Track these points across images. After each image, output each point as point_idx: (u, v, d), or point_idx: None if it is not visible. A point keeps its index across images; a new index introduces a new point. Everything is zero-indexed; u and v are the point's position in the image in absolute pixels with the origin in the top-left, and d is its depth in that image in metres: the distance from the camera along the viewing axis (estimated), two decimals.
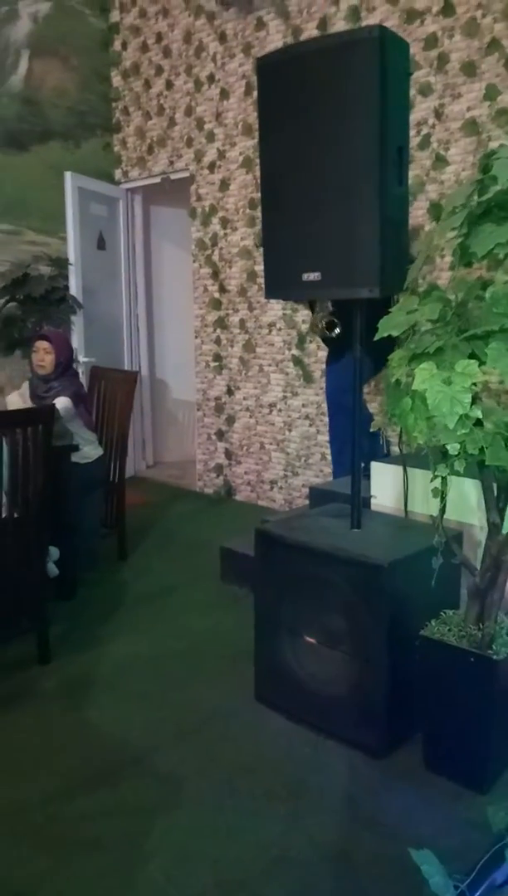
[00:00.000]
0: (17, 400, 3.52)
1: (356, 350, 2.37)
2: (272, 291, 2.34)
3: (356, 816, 2.06)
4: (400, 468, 2.79)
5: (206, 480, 5.56)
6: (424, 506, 2.78)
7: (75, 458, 3.60)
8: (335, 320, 3.36)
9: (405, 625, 2.24)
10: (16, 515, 2.73)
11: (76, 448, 3.58)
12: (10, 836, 1.99)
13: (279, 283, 2.30)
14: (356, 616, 2.29)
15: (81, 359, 5.22)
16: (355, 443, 2.47)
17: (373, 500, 3.01)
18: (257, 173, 4.78)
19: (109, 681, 2.80)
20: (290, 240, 2.23)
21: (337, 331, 3.38)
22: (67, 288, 5.30)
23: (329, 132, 2.08)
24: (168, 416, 6.57)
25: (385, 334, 1.95)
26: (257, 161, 4.75)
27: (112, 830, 2.00)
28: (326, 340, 3.67)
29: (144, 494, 5.45)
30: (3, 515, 2.70)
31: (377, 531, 2.54)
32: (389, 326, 1.96)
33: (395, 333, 1.96)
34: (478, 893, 1.38)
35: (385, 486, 2.95)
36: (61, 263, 5.36)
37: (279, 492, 4.98)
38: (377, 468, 3.01)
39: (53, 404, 3.07)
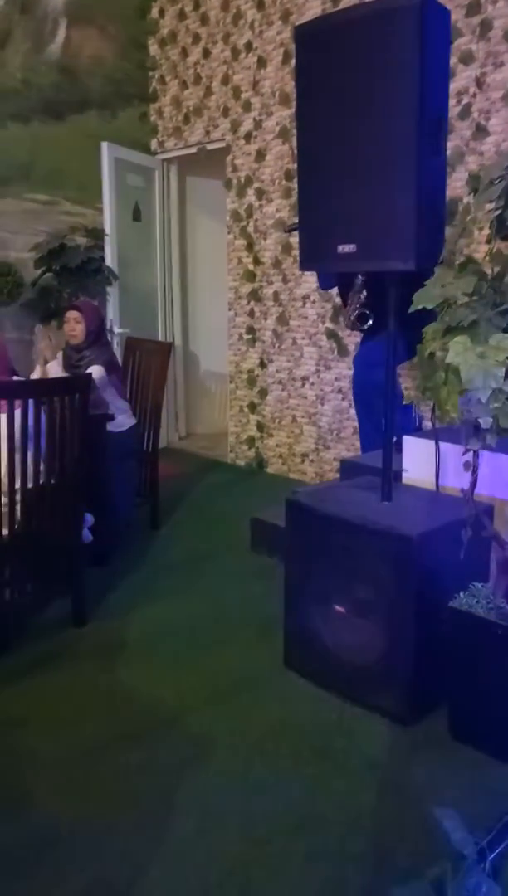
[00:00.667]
0: (58, 369, 3.59)
1: (390, 325, 2.37)
2: (307, 263, 2.35)
3: (382, 780, 2.11)
4: (432, 442, 2.79)
5: (238, 452, 5.60)
6: (455, 480, 2.79)
7: (110, 426, 3.66)
8: (367, 312, 3.39)
9: (433, 596, 2.27)
10: (53, 482, 2.80)
11: (112, 417, 3.63)
12: (51, 786, 2.07)
13: (314, 255, 2.31)
14: (385, 586, 2.32)
15: (116, 329, 5.27)
16: (387, 417, 2.48)
17: (404, 474, 3.02)
18: (294, 144, 4.74)
19: (142, 645, 2.88)
20: (326, 211, 2.23)
21: (369, 323, 3.42)
22: (102, 259, 5.33)
23: (367, 102, 2.06)
24: (200, 388, 6.61)
25: (420, 307, 1.95)
26: (295, 131, 4.73)
27: (146, 786, 2.08)
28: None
29: (177, 465, 5.51)
30: (41, 482, 2.76)
31: (407, 504, 2.56)
32: (423, 299, 1.96)
33: (430, 306, 1.96)
34: (498, 850, 1.42)
35: (417, 459, 2.96)
36: (97, 234, 5.39)
37: (311, 465, 5.01)
38: (409, 442, 3.02)
39: (90, 373, 3.11)
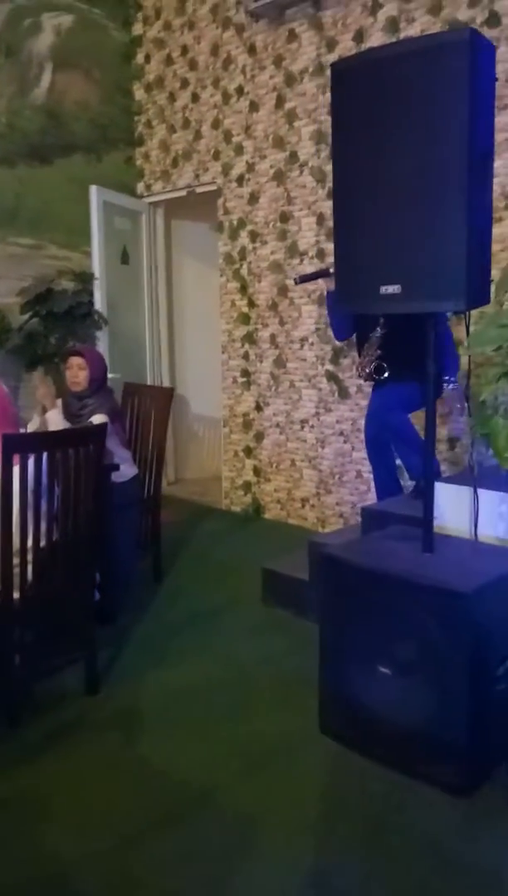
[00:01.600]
0: (59, 419, 3.41)
1: (430, 366, 2.27)
2: (346, 303, 2.25)
3: (446, 862, 1.93)
4: (463, 488, 2.69)
5: (233, 498, 5.44)
6: (491, 528, 2.68)
7: (113, 477, 3.49)
8: (384, 364, 3.34)
9: (487, 653, 2.13)
10: (66, 539, 2.61)
11: (116, 467, 3.47)
12: (85, 884, 1.86)
13: (353, 296, 2.21)
14: (436, 645, 2.17)
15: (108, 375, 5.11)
16: (427, 460, 2.36)
17: (434, 522, 2.90)
18: (289, 186, 4.72)
19: (161, 713, 2.68)
20: (366, 251, 2.13)
21: (385, 374, 3.37)
22: (91, 303, 5.21)
23: (412, 136, 1.99)
24: (189, 433, 6.46)
25: (479, 350, 1.85)
26: (289, 174, 4.71)
27: (190, 879, 1.88)
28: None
29: (170, 512, 5.31)
30: (54, 539, 2.58)
31: (451, 555, 2.43)
32: (481, 341, 1.86)
33: (488, 350, 1.86)
34: None
35: (446, 507, 2.84)
36: (85, 278, 5.27)
37: (311, 510, 4.87)
38: (439, 489, 2.90)
39: (104, 423, 2.96)
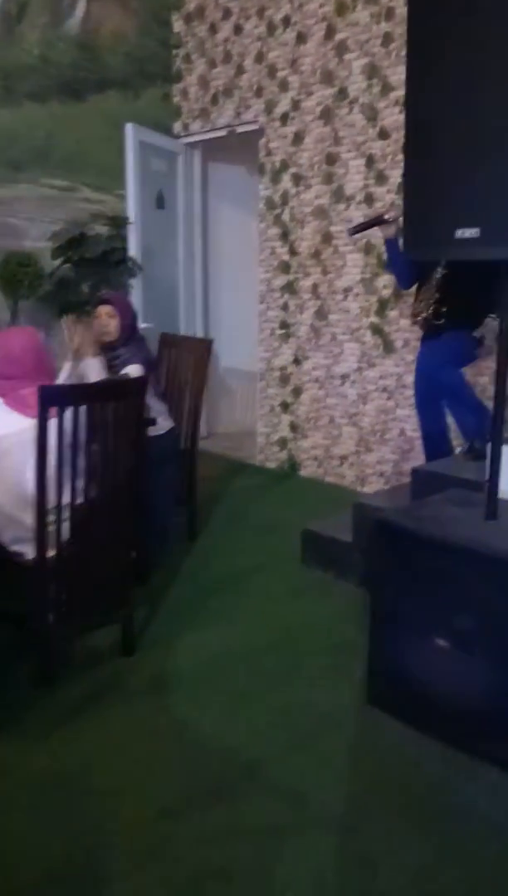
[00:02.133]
0: (99, 366, 3.24)
1: (504, 323, 2.08)
2: (415, 249, 2.04)
3: (506, 851, 1.82)
4: None
5: (268, 454, 5.30)
6: None
7: (149, 431, 3.34)
8: (443, 308, 3.14)
9: None
10: (104, 497, 2.48)
11: (153, 421, 3.32)
12: (127, 856, 1.77)
13: (425, 240, 2.00)
14: (499, 618, 2.03)
15: (141, 325, 4.93)
16: (496, 421, 2.18)
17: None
18: (337, 126, 4.44)
19: (200, 677, 2.58)
20: (442, 191, 1.92)
21: (442, 321, 3.15)
22: (125, 249, 5.00)
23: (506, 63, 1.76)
24: (222, 386, 6.29)
25: None
26: (337, 111, 4.43)
27: (238, 856, 1.78)
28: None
29: (203, 468, 5.17)
30: (92, 496, 2.45)
31: None
32: None
33: None
34: None
35: (506, 470, 2.66)
36: (119, 223, 5.06)
37: (350, 468, 4.71)
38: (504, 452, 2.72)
39: (145, 376, 2.80)
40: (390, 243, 3.26)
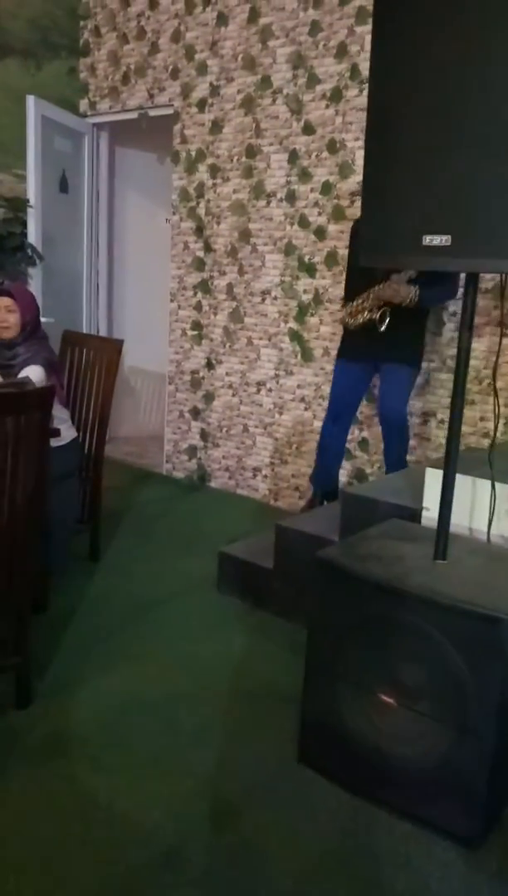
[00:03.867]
0: None
1: (464, 339, 1.86)
2: (373, 257, 1.79)
3: None
4: (464, 478, 2.33)
5: (175, 463, 4.97)
6: (479, 522, 2.35)
7: (51, 442, 2.96)
8: (388, 313, 3.01)
9: None
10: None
11: (56, 432, 2.93)
12: None
13: (386, 247, 1.75)
14: (456, 674, 1.81)
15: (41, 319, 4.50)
16: (448, 457, 1.97)
17: (425, 513, 2.54)
18: (258, 116, 4.17)
19: (107, 735, 2.24)
20: (406, 194, 1.68)
21: (384, 327, 2.99)
22: (24, 235, 4.55)
23: (483, 52, 1.53)
24: (125, 387, 5.90)
25: None
26: (259, 101, 4.16)
27: None
28: (348, 331, 3.31)
29: (105, 476, 4.81)
30: None
31: (468, 563, 2.06)
32: None
33: None
34: None
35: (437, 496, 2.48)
36: (18, 205, 4.59)
37: (264, 481, 4.46)
38: (432, 475, 2.53)
39: (52, 385, 2.43)
40: (423, 303, 3.11)
